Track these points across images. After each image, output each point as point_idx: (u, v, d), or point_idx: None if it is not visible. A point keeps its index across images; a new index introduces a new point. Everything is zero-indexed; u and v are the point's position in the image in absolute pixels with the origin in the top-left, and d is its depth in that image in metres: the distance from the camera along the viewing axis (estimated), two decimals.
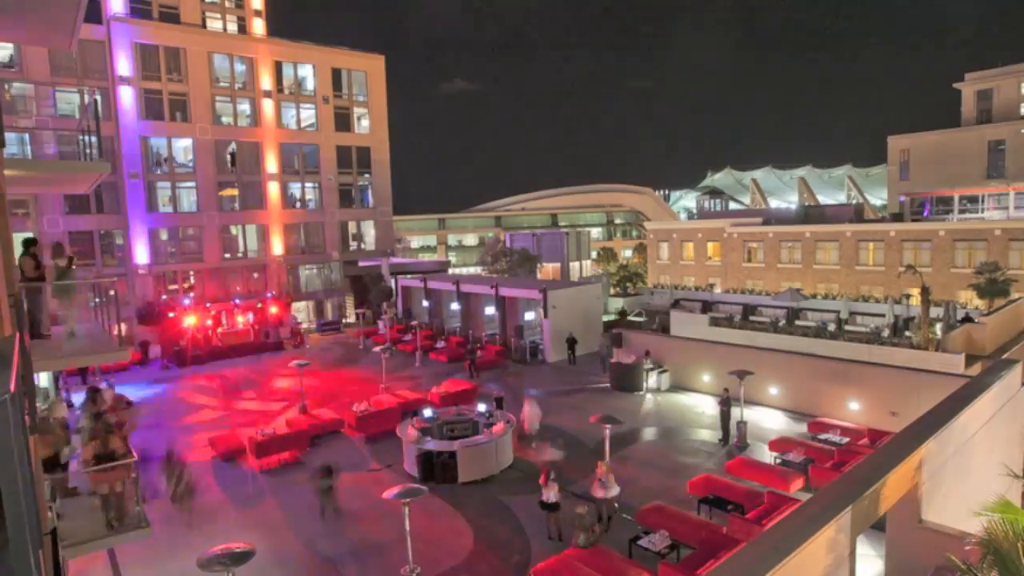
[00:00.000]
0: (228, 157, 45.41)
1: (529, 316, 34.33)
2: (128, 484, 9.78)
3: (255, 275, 46.90)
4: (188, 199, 44.50)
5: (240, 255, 46.75)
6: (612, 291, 55.79)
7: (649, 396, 25.77)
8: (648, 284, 57.91)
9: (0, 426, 3.12)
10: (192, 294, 43.08)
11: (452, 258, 74.51)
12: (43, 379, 15.75)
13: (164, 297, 42.34)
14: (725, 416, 20.55)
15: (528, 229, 76.63)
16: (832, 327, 31.19)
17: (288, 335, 40.14)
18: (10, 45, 37.23)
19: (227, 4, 47.16)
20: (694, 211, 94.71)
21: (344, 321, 48.88)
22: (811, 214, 57.37)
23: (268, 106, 46.71)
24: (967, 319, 27.00)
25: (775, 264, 49.70)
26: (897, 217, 52.19)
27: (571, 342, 31.52)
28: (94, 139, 10.19)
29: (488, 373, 30.11)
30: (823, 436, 19.27)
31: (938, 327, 26.05)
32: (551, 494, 14.76)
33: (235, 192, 46.19)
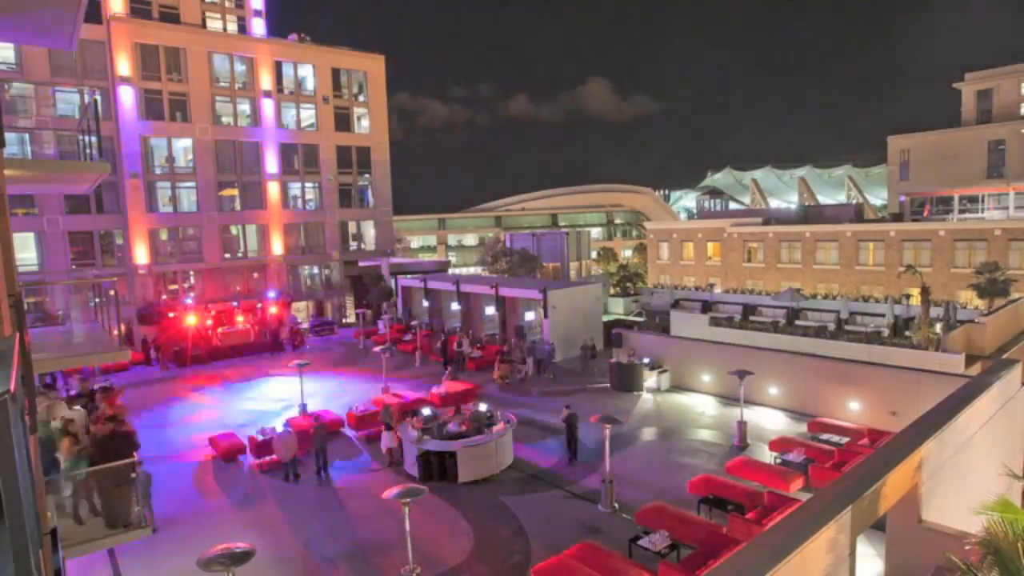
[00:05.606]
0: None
1: (529, 316, 34.33)
2: (128, 484, 9.79)
3: (255, 275, 46.91)
4: (188, 199, 44.50)
5: (240, 255, 46.76)
6: (612, 291, 55.75)
7: (649, 396, 25.79)
8: (648, 284, 57.88)
9: (0, 426, 3.11)
10: (192, 294, 43.08)
11: (452, 258, 74.47)
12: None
13: (164, 297, 42.35)
14: (571, 431, 19.17)
15: (528, 229, 76.55)
16: (832, 327, 31.20)
17: (288, 335, 40.13)
18: (10, 45, 37.24)
19: (227, 4, 47.15)
20: (694, 211, 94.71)
21: (344, 321, 48.86)
22: (811, 214, 57.32)
23: (268, 106, 46.71)
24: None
25: (775, 264, 49.69)
26: (897, 217, 52.18)
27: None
28: (94, 139, 10.18)
29: (484, 376, 30.08)
30: (823, 436, 19.28)
31: (938, 327, 26.04)
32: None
33: (235, 192, 46.21)
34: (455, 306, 38.31)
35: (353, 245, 52.05)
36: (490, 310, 36.65)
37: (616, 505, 16.00)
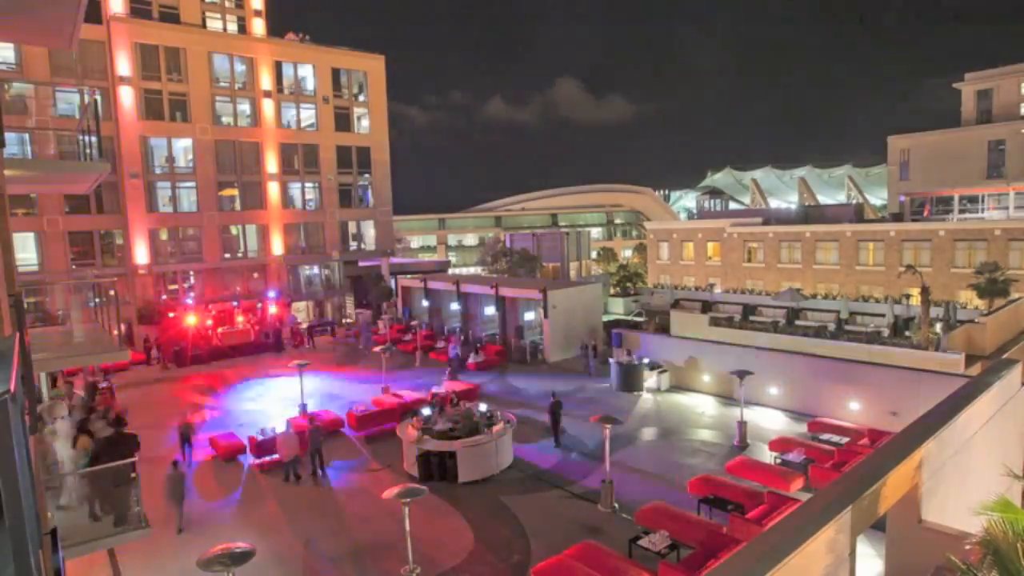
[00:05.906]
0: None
1: (529, 316, 34.33)
2: (127, 483, 9.80)
3: (255, 275, 46.90)
4: (188, 199, 44.49)
5: (240, 255, 46.74)
6: (612, 291, 55.74)
7: (649, 396, 25.78)
8: (648, 284, 57.85)
9: (0, 426, 3.11)
10: (192, 294, 43.08)
11: (452, 258, 74.49)
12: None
13: (164, 297, 42.34)
14: (555, 417, 20.79)
15: (528, 229, 76.54)
16: (832, 327, 31.19)
17: (288, 335, 40.13)
18: (10, 45, 37.22)
19: (227, 4, 47.12)
20: (694, 211, 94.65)
21: (343, 321, 48.83)
22: (811, 214, 57.29)
23: (268, 106, 46.70)
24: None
25: (775, 264, 49.66)
26: (897, 217, 52.16)
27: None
28: (94, 139, 10.17)
29: (486, 375, 30.09)
30: (823, 436, 19.29)
31: (938, 327, 26.04)
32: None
33: (235, 192, 46.20)
34: (455, 306, 38.31)
35: (353, 245, 52.03)
36: (490, 310, 36.65)
37: (616, 505, 16.00)
